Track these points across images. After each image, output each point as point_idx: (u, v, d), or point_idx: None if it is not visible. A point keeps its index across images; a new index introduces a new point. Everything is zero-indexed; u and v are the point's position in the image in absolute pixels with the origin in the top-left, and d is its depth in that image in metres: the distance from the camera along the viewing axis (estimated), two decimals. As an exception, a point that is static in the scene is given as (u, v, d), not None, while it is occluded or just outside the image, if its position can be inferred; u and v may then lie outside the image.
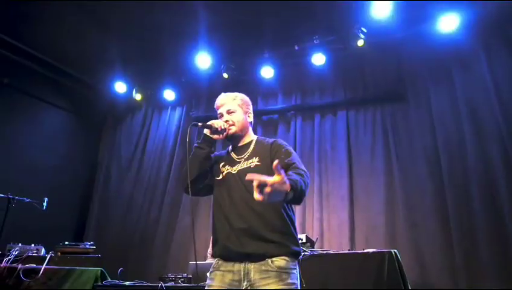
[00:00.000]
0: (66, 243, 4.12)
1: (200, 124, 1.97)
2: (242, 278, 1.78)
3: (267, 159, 1.94)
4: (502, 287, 3.54)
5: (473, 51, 4.31)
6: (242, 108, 2.12)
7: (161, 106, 6.07)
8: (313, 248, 3.18)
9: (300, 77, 5.31)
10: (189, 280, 3.33)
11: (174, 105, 5.98)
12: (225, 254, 1.85)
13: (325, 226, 4.59)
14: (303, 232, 4.44)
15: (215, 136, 2.00)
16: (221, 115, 2.08)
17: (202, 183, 2.01)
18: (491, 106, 4.05)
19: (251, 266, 1.78)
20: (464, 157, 4.12)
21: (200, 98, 5.83)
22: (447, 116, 4.32)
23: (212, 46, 5.09)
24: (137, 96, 5.78)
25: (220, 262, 1.85)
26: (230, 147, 2.13)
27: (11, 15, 4.68)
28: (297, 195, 1.62)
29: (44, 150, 5.45)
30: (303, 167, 1.88)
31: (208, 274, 1.90)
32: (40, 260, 3.61)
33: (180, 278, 3.33)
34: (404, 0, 4.18)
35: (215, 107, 2.13)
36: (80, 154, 6.03)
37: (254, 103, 5.39)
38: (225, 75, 5.15)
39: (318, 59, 4.87)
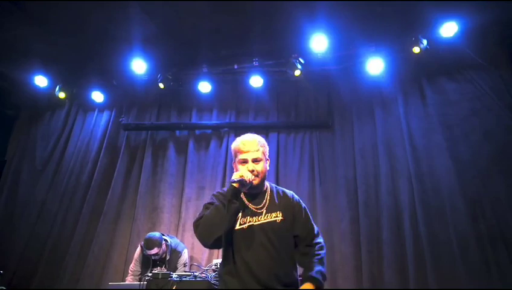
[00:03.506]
0: (-38, 256, 3.66)
1: (236, 180, 1.96)
2: None
3: (291, 216, 2.08)
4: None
5: (393, 95, 4.78)
6: (265, 156, 2.13)
7: (87, 107, 5.68)
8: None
9: (237, 96, 5.39)
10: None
11: (102, 108, 5.63)
12: None
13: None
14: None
15: (243, 189, 2.00)
16: (246, 162, 2.06)
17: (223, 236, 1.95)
18: (403, 147, 4.52)
19: None
20: (377, 190, 4.53)
21: (132, 104, 5.58)
22: (367, 151, 4.72)
23: (148, 54, 4.94)
24: (61, 94, 5.33)
25: None
26: (242, 194, 2.07)
27: None
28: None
29: None
30: (316, 229, 2.16)
31: None
32: None
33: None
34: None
35: (235, 149, 2.11)
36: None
37: (188, 116, 5.44)
38: (161, 85, 5.02)
39: (256, 81, 5.01)
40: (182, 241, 4.48)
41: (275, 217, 2.04)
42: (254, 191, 2.10)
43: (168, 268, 3.97)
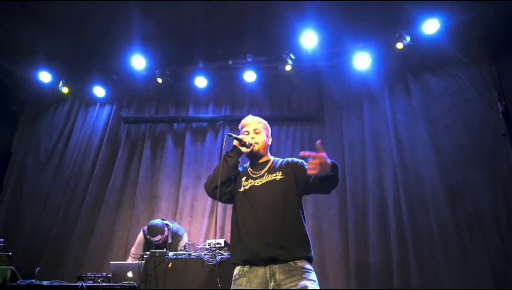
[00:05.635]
0: (-27, 239, 3.90)
1: (234, 135, 2.31)
2: (268, 280, 2.00)
3: (291, 173, 2.23)
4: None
5: (380, 90, 5.02)
6: (265, 131, 2.44)
7: (89, 101, 5.93)
8: (230, 252, 3.49)
9: (231, 90, 5.64)
10: (108, 279, 3.41)
11: (103, 102, 5.89)
12: (250, 259, 2.05)
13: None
14: (222, 236, 4.77)
15: (243, 149, 2.31)
16: (248, 133, 2.39)
17: (226, 189, 2.26)
18: (389, 139, 4.77)
19: (275, 268, 2.00)
20: (364, 180, 4.77)
21: (132, 99, 5.84)
22: (355, 142, 4.96)
23: (147, 51, 5.17)
24: (64, 89, 5.60)
25: (245, 269, 2.06)
26: (248, 164, 2.41)
27: None
28: (336, 172, 1.92)
29: None
30: None
31: (233, 281, 2.10)
32: None
33: (99, 277, 3.41)
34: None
35: (240, 125, 2.46)
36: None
37: (185, 109, 5.69)
38: (159, 80, 5.27)
39: (249, 76, 5.25)
40: (179, 227, 4.73)
41: (274, 176, 2.23)
42: (257, 161, 2.38)
43: (169, 250, 4.20)
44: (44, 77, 5.52)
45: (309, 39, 4.74)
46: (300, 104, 5.44)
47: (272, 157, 2.43)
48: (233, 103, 5.64)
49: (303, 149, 5.21)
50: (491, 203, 4.13)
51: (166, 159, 5.38)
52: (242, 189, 2.26)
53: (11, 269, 3.44)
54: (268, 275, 2.00)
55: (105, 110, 5.87)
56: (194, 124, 5.61)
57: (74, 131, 5.83)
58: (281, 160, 2.39)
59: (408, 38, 4.47)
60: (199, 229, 4.95)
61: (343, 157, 4.98)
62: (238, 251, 2.12)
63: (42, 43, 5.08)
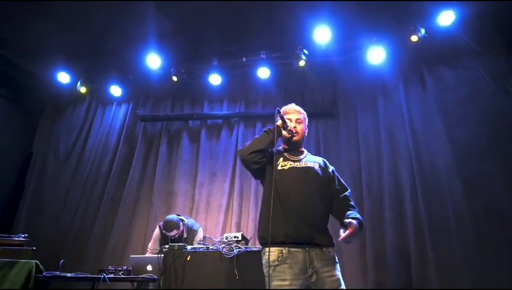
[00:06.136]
0: (-2, 234, 4.02)
1: (281, 114, 2.39)
2: (308, 266, 2.12)
3: (325, 170, 2.43)
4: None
5: (394, 83, 4.98)
6: (305, 122, 2.58)
7: (106, 100, 6.06)
8: (247, 245, 3.53)
9: (245, 87, 5.68)
10: (129, 272, 3.49)
11: (120, 101, 6.01)
12: (292, 233, 2.13)
13: (258, 226, 4.96)
14: (239, 231, 4.82)
15: (283, 132, 2.38)
16: (290, 121, 2.47)
17: (260, 159, 2.31)
18: (404, 132, 4.73)
19: (313, 254, 2.14)
20: (380, 173, 4.75)
21: (148, 97, 5.94)
22: (370, 136, 4.94)
23: (162, 50, 5.25)
24: (82, 89, 5.73)
25: (285, 253, 2.12)
26: (282, 148, 2.50)
27: None
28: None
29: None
30: (349, 190, 2.45)
31: (272, 267, 2.14)
32: (-31, 252, 3.52)
33: (120, 270, 3.49)
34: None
35: (284, 112, 2.50)
36: (14, 143, 5.80)
37: (200, 107, 5.76)
38: (174, 78, 5.35)
39: (263, 73, 5.28)
40: (195, 222, 4.80)
41: (313, 165, 2.38)
42: (294, 148, 2.47)
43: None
44: (63, 77, 5.67)
45: (322, 34, 4.75)
46: (314, 100, 5.45)
47: (305, 150, 2.55)
48: (247, 100, 5.68)
49: (318, 144, 5.21)
50: (509, 193, 4.05)
51: (182, 156, 5.46)
52: (280, 167, 2.33)
53: (36, 262, 3.55)
54: (307, 262, 2.12)
55: (122, 109, 5.99)
56: (209, 121, 5.68)
57: (92, 130, 5.97)
58: (313, 156, 2.54)
59: (423, 31, 4.43)
60: (215, 224, 5.00)
61: (359, 151, 4.96)
62: (277, 225, 2.14)
63: (59, 44, 5.20)
